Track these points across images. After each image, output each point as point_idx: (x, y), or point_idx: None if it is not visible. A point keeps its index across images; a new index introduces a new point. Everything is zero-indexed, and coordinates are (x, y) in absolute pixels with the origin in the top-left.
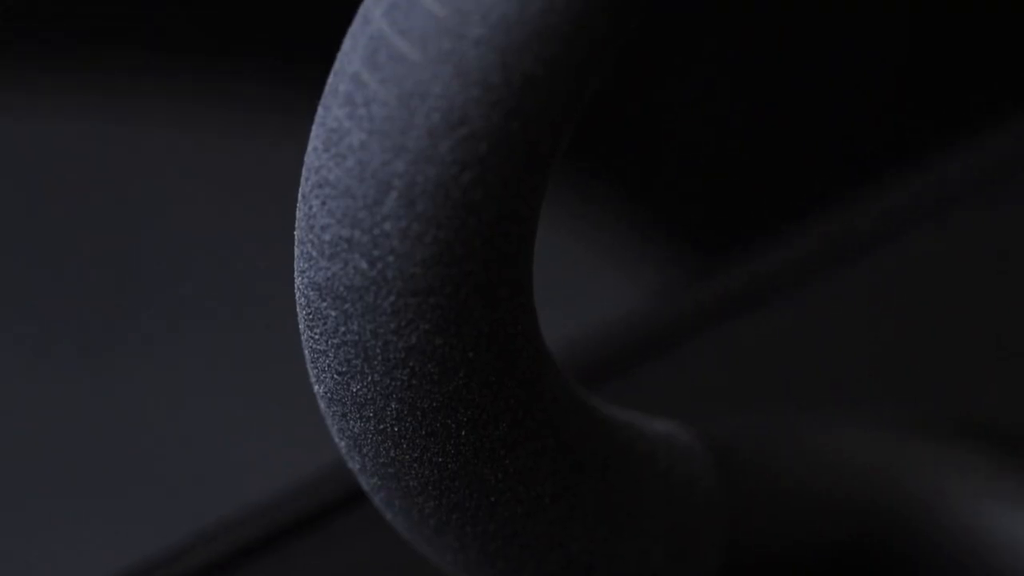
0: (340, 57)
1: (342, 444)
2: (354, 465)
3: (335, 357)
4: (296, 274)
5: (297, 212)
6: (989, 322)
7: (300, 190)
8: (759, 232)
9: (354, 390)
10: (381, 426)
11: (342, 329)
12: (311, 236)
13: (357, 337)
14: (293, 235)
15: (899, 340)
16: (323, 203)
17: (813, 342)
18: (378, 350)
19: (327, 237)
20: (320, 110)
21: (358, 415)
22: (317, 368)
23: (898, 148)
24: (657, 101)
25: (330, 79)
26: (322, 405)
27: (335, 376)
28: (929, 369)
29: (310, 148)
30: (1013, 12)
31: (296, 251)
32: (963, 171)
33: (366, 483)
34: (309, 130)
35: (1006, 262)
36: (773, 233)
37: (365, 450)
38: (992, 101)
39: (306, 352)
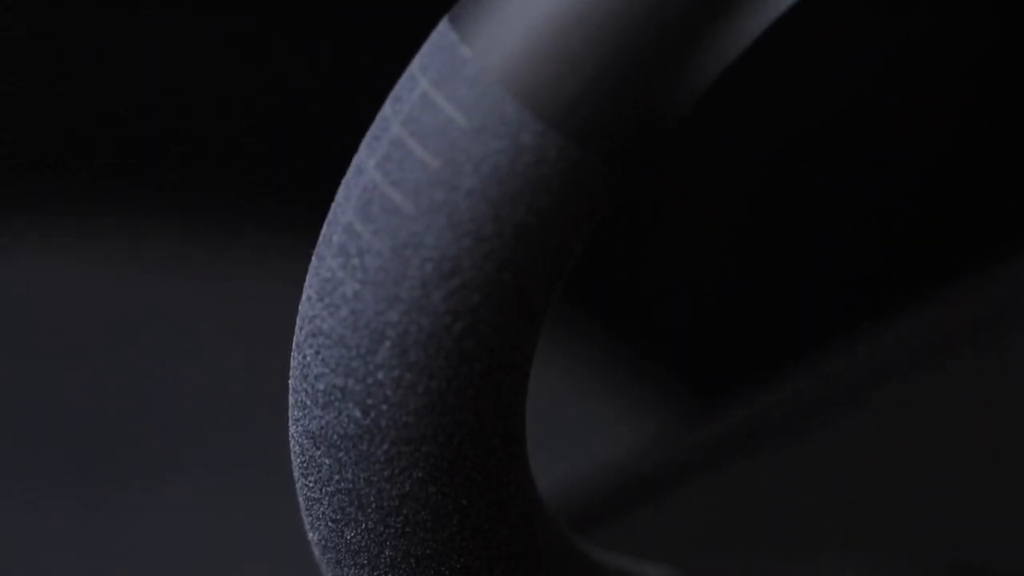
0: (334, 207)
1: None
2: None
3: (329, 505)
4: (290, 422)
5: (291, 361)
6: (981, 470)
7: (294, 339)
8: (752, 376)
9: (348, 537)
10: (375, 573)
11: (336, 477)
12: (305, 385)
13: (351, 485)
14: (287, 383)
15: (891, 487)
16: (317, 352)
17: (805, 488)
18: (372, 498)
19: (321, 386)
20: (314, 260)
21: (352, 562)
22: (311, 516)
23: (895, 292)
24: (652, 240)
25: (324, 229)
26: (316, 552)
27: (329, 523)
28: (922, 516)
29: (304, 297)
30: (1008, 154)
31: (290, 399)
32: (958, 317)
33: None
34: (303, 279)
35: (1001, 409)
36: (766, 377)
37: None
38: (987, 247)
39: (300, 500)
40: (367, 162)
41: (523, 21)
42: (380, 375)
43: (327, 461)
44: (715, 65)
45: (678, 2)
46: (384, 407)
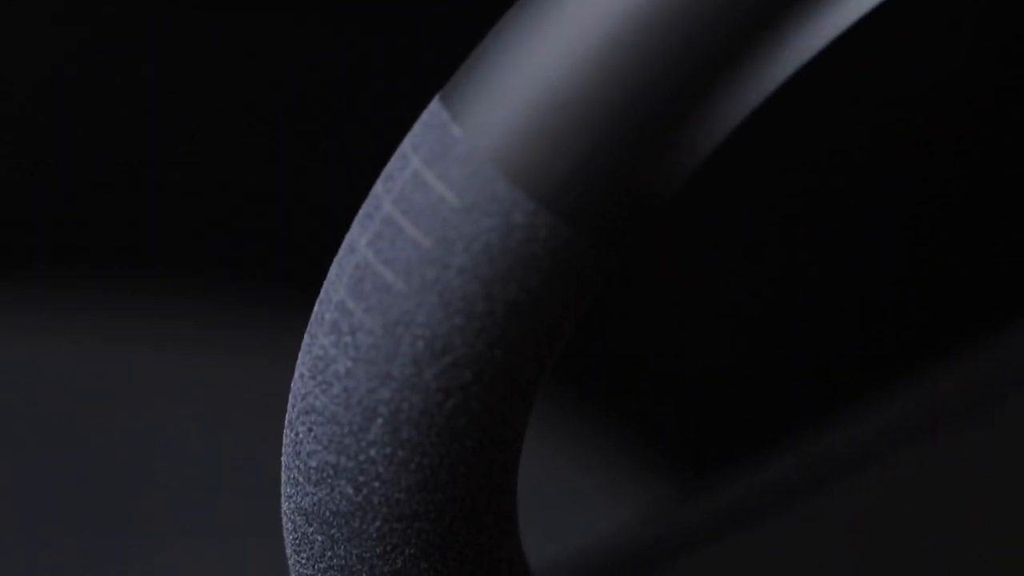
0: (326, 286)
1: None
2: None
3: None
4: (283, 499)
5: (284, 438)
6: (978, 544)
7: (287, 416)
8: (746, 450)
9: None
10: None
11: (328, 554)
12: (298, 462)
13: (343, 561)
14: (280, 460)
15: (887, 560)
16: (309, 429)
17: (800, 563)
18: (364, 574)
19: (313, 463)
20: (307, 338)
21: None
22: None
23: (884, 368)
24: (643, 315)
25: (316, 307)
26: None
27: None
28: None
29: (296, 375)
30: (1006, 231)
31: (283, 476)
32: (949, 393)
33: None
34: (296, 357)
35: (997, 484)
36: (760, 451)
37: None
38: (980, 321)
39: None
40: (359, 240)
41: (514, 100)
42: (372, 452)
43: (319, 538)
44: (705, 145)
45: (666, 84)
46: (376, 484)
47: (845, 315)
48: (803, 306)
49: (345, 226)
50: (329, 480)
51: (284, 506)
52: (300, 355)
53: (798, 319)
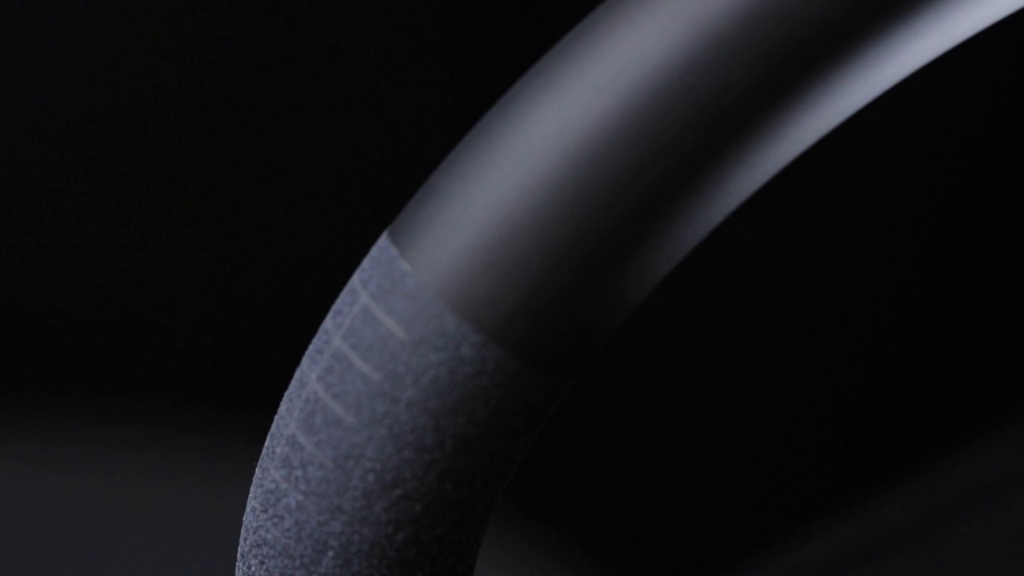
0: (277, 420)
1: None
2: None
3: None
4: None
5: (236, 572)
6: None
7: (239, 550)
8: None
9: None
10: None
11: None
12: None
13: None
14: None
15: None
16: (261, 563)
17: None
18: None
19: None
20: (258, 472)
21: None
22: None
23: (886, 466)
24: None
25: (268, 441)
26: None
27: None
28: None
29: (248, 509)
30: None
31: None
32: (952, 491)
33: None
34: (247, 490)
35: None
36: (753, 556)
37: None
38: (982, 419)
39: None
40: (309, 375)
41: (460, 236)
42: None
43: None
44: (651, 278)
45: (610, 221)
46: None
47: (839, 416)
48: (796, 409)
49: (296, 357)
50: None
51: None
52: (252, 488)
53: (796, 419)
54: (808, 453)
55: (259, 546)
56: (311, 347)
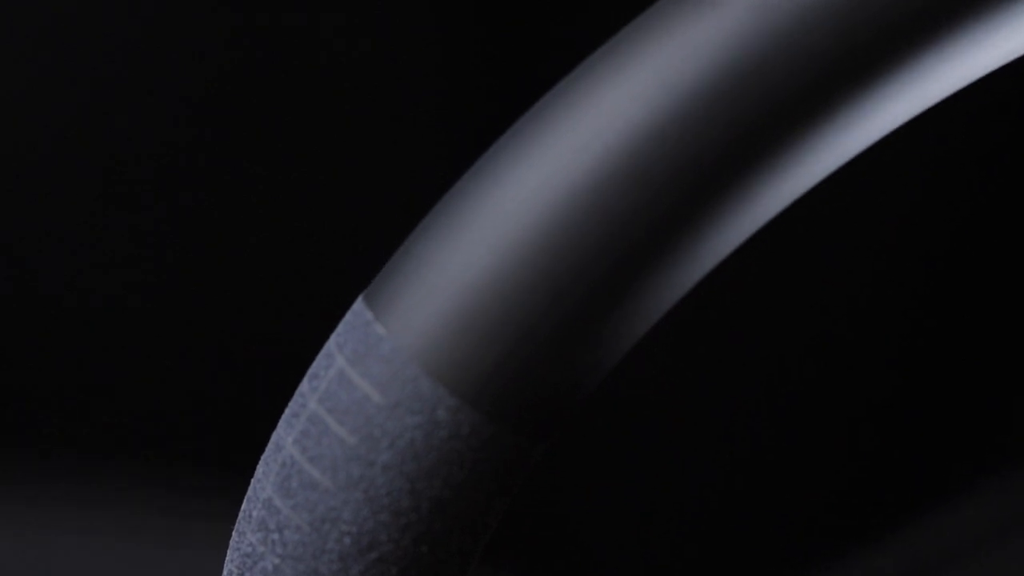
0: (253, 483)
1: None
2: None
3: None
4: None
5: None
6: None
7: None
8: None
9: None
10: None
11: None
12: None
13: None
14: None
15: None
16: None
17: None
18: None
19: None
20: (234, 535)
21: None
22: None
23: (891, 506)
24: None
25: (244, 505)
26: None
27: None
28: None
29: (225, 572)
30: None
31: None
32: (956, 533)
33: None
34: (224, 553)
35: None
36: None
37: None
38: (987, 455)
39: None
40: (285, 438)
41: (435, 300)
42: None
43: None
44: (626, 340)
45: (584, 286)
46: None
47: (848, 453)
48: (809, 438)
49: (274, 421)
50: None
51: None
52: (228, 552)
53: (802, 459)
54: (799, 503)
55: None
56: (287, 411)
